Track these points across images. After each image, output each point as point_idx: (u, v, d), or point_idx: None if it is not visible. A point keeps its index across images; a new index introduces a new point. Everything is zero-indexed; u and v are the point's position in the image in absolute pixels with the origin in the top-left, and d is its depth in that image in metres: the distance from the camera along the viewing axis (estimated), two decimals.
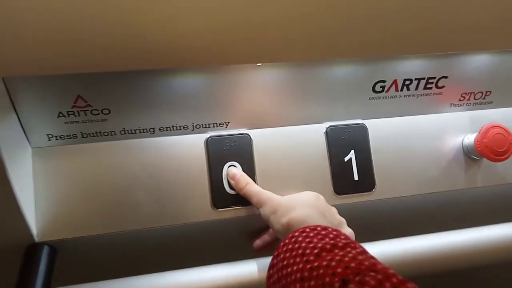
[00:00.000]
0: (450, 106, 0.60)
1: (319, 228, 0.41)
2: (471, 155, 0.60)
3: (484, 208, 0.62)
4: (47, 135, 0.49)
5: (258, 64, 0.49)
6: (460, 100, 0.60)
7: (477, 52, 0.55)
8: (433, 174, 0.59)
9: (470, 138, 0.59)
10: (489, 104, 0.62)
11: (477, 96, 0.60)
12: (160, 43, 0.41)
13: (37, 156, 0.50)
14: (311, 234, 0.40)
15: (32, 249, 0.48)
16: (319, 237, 0.39)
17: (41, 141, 0.50)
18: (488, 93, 0.60)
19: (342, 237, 0.40)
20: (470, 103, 0.61)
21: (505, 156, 0.56)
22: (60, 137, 0.50)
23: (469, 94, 0.60)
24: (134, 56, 0.40)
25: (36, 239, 0.48)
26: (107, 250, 0.53)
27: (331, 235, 0.39)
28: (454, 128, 0.61)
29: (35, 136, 0.49)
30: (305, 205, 0.47)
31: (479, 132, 0.57)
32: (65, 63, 0.39)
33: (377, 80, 0.55)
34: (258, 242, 0.54)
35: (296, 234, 0.41)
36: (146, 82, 0.48)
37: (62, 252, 0.50)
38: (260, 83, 0.52)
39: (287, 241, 0.41)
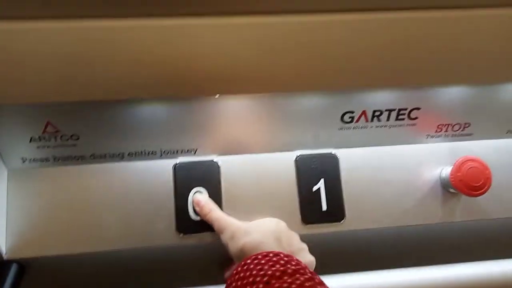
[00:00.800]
0: (427, 137, 0.59)
1: (271, 255, 0.41)
2: (449, 189, 0.58)
3: (461, 244, 0.60)
4: (21, 158, 0.52)
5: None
6: (437, 131, 0.59)
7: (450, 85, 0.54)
8: (407, 206, 0.57)
9: (447, 171, 0.58)
10: (468, 136, 0.60)
11: (455, 128, 0.59)
12: (124, 74, 0.43)
13: (12, 177, 0.53)
14: (263, 261, 0.40)
15: (0, 266, 0.50)
16: (270, 263, 0.39)
17: (16, 163, 0.53)
18: (467, 124, 0.59)
19: (293, 262, 0.40)
20: (448, 135, 0.59)
21: (480, 191, 0.54)
22: (33, 160, 0.53)
23: (447, 126, 0.58)
24: (99, 87, 0.42)
25: (5, 257, 0.51)
26: (74, 270, 0.55)
27: (282, 261, 0.40)
28: (431, 160, 0.59)
29: (10, 158, 0.52)
30: (262, 230, 0.47)
31: (453, 166, 0.56)
32: (33, 93, 0.41)
33: (345, 111, 0.54)
34: (227, 274, 0.55)
35: (249, 261, 0.41)
36: (115, 110, 0.50)
37: (30, 270, 0.52)
38: (229, 111, 0.53)
39: (239, 268, 0.41)
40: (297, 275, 0.37)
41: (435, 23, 0.44)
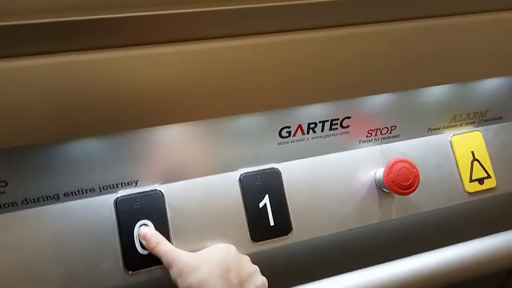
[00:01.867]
0: (359, 143, 0.63)
1: None
2: (383, 188, 0.62)
3: (401, 240, 0.64)
4: None
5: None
6: (367, 136, 0.63)
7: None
8: (348, 210, 0.60)
9: (380, 172, 0.61)
10: (396, 137, 0.65)
11: (383, 131, 0.63)
12: (51, 116, 0.41)
13: None
14: None
15: None
16: None
17: None
18: (394, 127, 0.63)
19: None
20: (378, 138, 0.64)
21: (411, 189, 0.59)
22: None
23: (375, 130, 0.62)
24: (21, 131, 0.40)
25: None
26: None
27: None
28: (365, 164, 0.63)
29: None
30: (209, 263, 0.47)
31: (385, 168, 0.60)
32: None
33: (282, 126, 0.56)
34: None
35: None
36: (44, 151, 0.47)
37: None
38: (167, 139, 0.53)
39: None
40: None
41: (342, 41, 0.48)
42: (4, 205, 0.49)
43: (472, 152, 0.67)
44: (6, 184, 0.48)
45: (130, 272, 0.52)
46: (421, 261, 0.60)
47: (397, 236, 0.64)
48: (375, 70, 0.51)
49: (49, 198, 0.51)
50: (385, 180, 0.59)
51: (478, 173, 0.66)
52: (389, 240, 0.64)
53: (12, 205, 0.50)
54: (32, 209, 0.51)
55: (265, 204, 0.58)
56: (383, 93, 0.57)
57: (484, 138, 0.68)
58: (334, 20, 0.48)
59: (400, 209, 0.62)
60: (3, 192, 0.48)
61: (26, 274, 0.49)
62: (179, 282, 0.46)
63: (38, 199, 0.50)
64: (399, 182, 0.58)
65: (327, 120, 0.58)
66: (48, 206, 0.51)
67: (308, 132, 0.58)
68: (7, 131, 0.40)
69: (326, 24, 0.48)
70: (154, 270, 0.52)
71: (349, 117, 0.59)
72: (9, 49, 0.38)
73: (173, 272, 0.48)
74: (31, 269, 0.49)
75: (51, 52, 0.39)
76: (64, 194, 0.51)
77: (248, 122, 0.54)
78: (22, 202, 0.50)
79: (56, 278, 0.49)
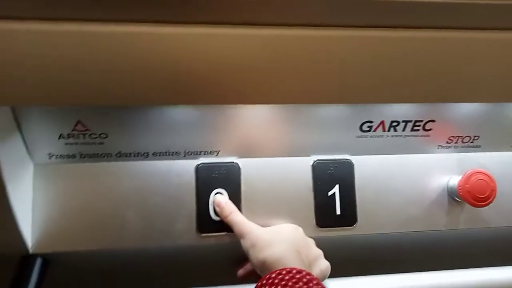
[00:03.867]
0: (437, 148, 0.62)
1: (294, 271, 0.43)
2: (455, 197, 0.61)
3: (465, 250, 0.63)
4: (48, 153, 0.53)
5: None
6: (447, 142, 0.62)
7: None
8: (415, 213, 0.60)
9: (454, 180, 0.60)
10: (477, 148, 0.63)
11: (465, 140, 0.62)
12: (150, 82, 0.44)
13: (38, 173, 0.53)
14: (286, 277, 0.42)
15: (25, 260, 0.51)
16: (294, 280, 0.42)
17: (43, 158, 0.53)
18: (476, 137, 0.62)
19: (315, 282, 0.42)
20: (457, 146, 0.62)
21: (485, 202, 0.58)
22: (60, 156, 0.53)
23: (457, 138, 0.61)
24: (126, 93, 0.43)
25: (30, 251, 0.52)
26: (96, 266, 0.57)
27: (304, 279, 0.42)
28: (439, 169, 0.62)
29: (37, 154, 0.53)
30: (282, 241, 0.49)
31: (462, 177, 0.59)
32: (67, 97, 0.42)
33: (364, 120, 0.57)
34: (241, 271, 0.57)
35: (273, 275, 0.43)
36: (143, 111, 0.51)
37: (53, 264, 0.53)
38: (251, 116, 0.55)
39: (264, 281, 0.43)
40: None
41: (453, 44, 0.47)
42: (101, 154, 0.54)
43: None
44: (107, 136, 0.52)
45: (201, 234, 0.55)
46: (484, 275, 0.59)
47: (460, 246, 0.63)
48: (470, 77, 0.50)
49: (139, 154, 0.55)
50: (460, 189, 0.58)
51: None
52: (451, 249, 0.63)
53: (107, 156, 0.54)
54: (123, 163, 0.55)
55: (334, 193, 0.59)
56: (474, 102, 0.55)
57: None
58: (435, 21, 0.47)
59: (469, 220, 0.61)
60: (102, 143, 0.53)
61: (111, 220, 0.54)
62: (251, 253, 0.49)
63: (130, 154, 0.55)
64: (474, 194, 0.57)
65: (411, 121, 0.58)
66: (137, 162, 0.55)
67: (389, 130, 0.58)
68: (115, 92, 0.43)
69: (428, 25, 0.47)
70: (223, 236, 0.56)
71: (433, 121, 0.58)
72: (130, 13, 0.41)
73: (246, 243, 0.50)
74: (116, 216, 0.54)
75: (169, 22, 0.42)
76: (153, 154, 0.55)
77: (332, 111, 0.55)
78: (116, 154, 0.54)
79: (137, 228, 0.54)
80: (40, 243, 0.52)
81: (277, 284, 0.41)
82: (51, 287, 0.52)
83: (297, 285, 0.40)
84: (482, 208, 0.61)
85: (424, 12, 0.44)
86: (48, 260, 0.53)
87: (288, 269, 0.43)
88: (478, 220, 0.62)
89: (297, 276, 0.42)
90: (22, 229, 0.51)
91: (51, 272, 0.53)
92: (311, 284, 0.40)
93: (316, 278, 0.43)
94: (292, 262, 0.45)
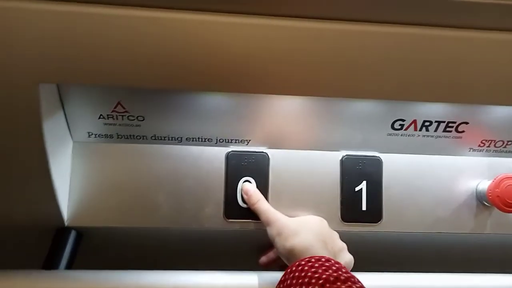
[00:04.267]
0: (469, 151, 0.61)
1: (323, 259, 0.44)
2: (483, 201, 0.60)
3: (491, 255, 0.63)
4: (88, 132, 0.55)
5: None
6: (479, 146, 0.61)
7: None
8: (442, 215, 0.60)
9: (484, 185, 0.60)
10: (509, 153, 0.62)
11: (498, 144, 0.61)
12: (192, 68, 0.45)
13: (77, 150, 0.56)
14: (316, 265, 0.43)
15: (61, 232, 0.54)
16: (323, 268, 0.42)
17: (82, 137, 0.56)
18: (510, 142, 0.61)
19: (344, 270, 0.43)
20: (490, 150, 0.62)
21: None
22: (98, 136, 0.56)
23: (490, 142, 0.61)
24: (174, 77, 0.45)
25: (66, 224, 0.54)
26: (125, 242, 0.59)
27: (334, 267, 0.43)
28: (469, 172, 0.62)
29: (77, 132, 0.55)
30: (309, 231, 0.50)
31: (492, 181, 0.58)
32: (111, 76, 0.44)
33: (397, 118, 0.57)
34: (263, 259, 0.58)
35: (303, 263, 0.44)
36: (179, 97, 0.53)
37: (86, 237, 0.56)
38: (284, 108, 0.56)
39: (293, 268, 0.44)
40: (349, 283, 0.40)
41: (493, 46, 0.46)
42: (137, 136, 0.56)
43: None
44: (143, 119, 0.54)
45: (228, 220, 0.57)
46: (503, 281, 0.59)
47: (486, 251, 0.62)
48: (506, 81, 0.49)
49: (173, 139, 0.57)
50: (489, 193, 0.58)
51: None
52: (477, 253, 0.62)
53: (143, 138, 0.56)
54: (157, 146, 0.57)
55: (361, 189, 0.59)
56: (509, 105, 0.55)
57: None
58: (475, 22, 0.47)
59: (497, 225, 0.61)
60: (139, 125, 0.55)
61: (142, 199, 0.56)
62: (278, 241, 0.50)
63: (164, 137, 0.57)
64: (504, 199, 0.57)
65: (444, 121, 0.57)
66: (171, 146, 0.57)
67: (420, 129, 0.58)
68: (155, 75, 0.45)
69: (468, 25, 0.47)
70: (249, 223, 0.57)
71: (466, 123, 0.58)
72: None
73: (272, 231, 0.52)
74: (147, 196, 0.56)
75: (212, 11, 0.43)
76: (186, 139, 0.57)
77: (364, 107, 0.56)
78: (151, 137, 0.56)
79: (167, 208, 0.56)
80: (75, 217, 0.55)
81: (307, 271, 0.42)
82: (83, 257, 0.54)
83: (327, 273, 0.41)
84: (511, 214, 0.60)
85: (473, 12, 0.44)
86: (82, 233, 0.56)
87: (317, 257, 0.44)
88: (507, 226, 0.61)
89: (327, 264, 0.43)
90: (60, 203, 0.53)
91: (83, 244, 0.56)
92: (340, 272, 0.41)
93: (345, 267, 0.43)
94: (320, 251, 0.46)
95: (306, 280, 0.41)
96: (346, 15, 0.45)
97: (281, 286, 0.44)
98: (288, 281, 0.43)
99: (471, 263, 0.61)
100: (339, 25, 0.44)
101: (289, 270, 0.44)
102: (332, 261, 0.43)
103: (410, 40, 0.46)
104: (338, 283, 0.40)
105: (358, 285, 0.40)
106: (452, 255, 0.62)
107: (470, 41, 0.46)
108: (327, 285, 0.39)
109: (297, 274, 0.42)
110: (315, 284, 0.40)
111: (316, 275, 0.41)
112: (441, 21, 0.46)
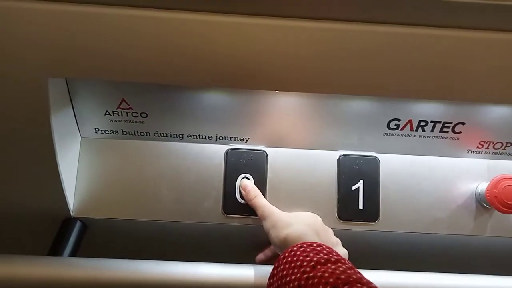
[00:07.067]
0: (467, 152, 0.62)
1: (314, 245, 0.45)
2: (483, 203, 0.60)
3: (489, 258, 0.62)
4: (95, 128, 0.58)
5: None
6: (478, 147, 0.61)
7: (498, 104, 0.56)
8: (439, 215, 0.60)
9: (483, 186, 0.60)
10: (509, 155, 0.62)
11: (496, 146, 0.61)
12: (195, 65, 0.47)
13: (84, 145, 0.59)
14: (308, 249, 0.44)
15: (67, 222, 0.57)
16: (315, 252, 0.44)
17: (89, 132, 0.59)
18: (509, 144, 0.61)
19: (334, 253, 0.44)
20: (489, 152, 0.62)
21: None
22: (105, 131, 0.59)
23: (488, 143, 0.61)
24: (170, 73, 0.48)
25: (72, 215, 0.57)
26: (128, 233, 0.61)
27: (324, 251, 0.44)
28: (468, 174, 0.62)
29: (85, 128, 0.58)
30: (302, 223, 0.51)
31: (490, 182, 0.58)
32: (117, 71, 0.47)
33: (392, 118, 0.58)
34: (260, 256, 0.60)
35: (295, 248, 0.45)
36: (181, 95, 0.55)
37: (91, 228, 0.59)
38: (282, 107, 0.58)
39: (286, 254, 0.45)
40: (339, 264, 0.41)
41: (489, 45, 0.47)
42: (140, 132, 0.59)
43: None
44: (147, 116, 0.57)
45: (226, 215, 0.58)
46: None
47: (485, 253, 0.62)
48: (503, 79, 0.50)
49: (175, 136, 0.59)
50: (487, 194, 0.58)
51: None
52: (474, 254, 0.62)
53: (146, 135, 0.59)
54: (160, 142, 0.60)
55: (358, 188, 0.60)
56: (506, 104, 0.55)
57: None
58: (476, 22, 0.47)
59: (497, 227, 0.60)
60: (142, 122, 0.58)
61: (144, 193, 0.59)
62: (272, 232, 0.52)
63: (167, 134, 0.59)
64: (502, 199, 0.56)
65: (439, 122, 0.58)
66: (172, 143, 0.60)
67: (416, 129, 0.59)
68: (158, 71, 0.47)
69: (470, 25, 0.47)
70: (246, 219, 0.58)
71: (463, 123, 0.58)
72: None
73: (267, 224, 0.53)
74: (150, 190, 0.59)
75: (214, 12, 0.45)
76: (187, 136, 0.59)
77: (360, 106, 0.57)
78: (154, 134, 0.59)
79: (168, 201, 0.58)
80: (81, 208, 0.58)
81: (299, 255, 0.43)
82: (87, 247, 0.57)
83: (318, 256, 0.42)
84: (510, 216, 0.60)
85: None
86: (87, 224, 0.58)
87: (309, 243, 0.45)
88: (507, 228, 0.61)
89: (318, 248, 0.44)
90: (67, 195, 0.56)
91: (88, 235, 0.58)
92: (331, 255, 0.42)
93: (336, 251, 0.44)
94: (313, 239, 0.47)
95: (298, 263, 0.42)
96: (345, 15, 0.46)
97: (275, 272, 0.45)
98: (282, 266, 0.44)
99: (468, 264, 0.60)
100: (339, 25, 0.46)
101: (282, 256, 0.45)
102: (323, 246, 0.45)
103: (409, 39, 0.46)
104: (329, 264, 0.41)
105: (348, 265, 0.41)
106: (450, 256, 0.62)
107: (470, 41, 0.47)
108: (318, 266, 0.40)
109: (289, 259, 0.44)
110: (306, 266, 0.41)
111: (308, 258, 0.42)
112: (440, 21, 0.47)
